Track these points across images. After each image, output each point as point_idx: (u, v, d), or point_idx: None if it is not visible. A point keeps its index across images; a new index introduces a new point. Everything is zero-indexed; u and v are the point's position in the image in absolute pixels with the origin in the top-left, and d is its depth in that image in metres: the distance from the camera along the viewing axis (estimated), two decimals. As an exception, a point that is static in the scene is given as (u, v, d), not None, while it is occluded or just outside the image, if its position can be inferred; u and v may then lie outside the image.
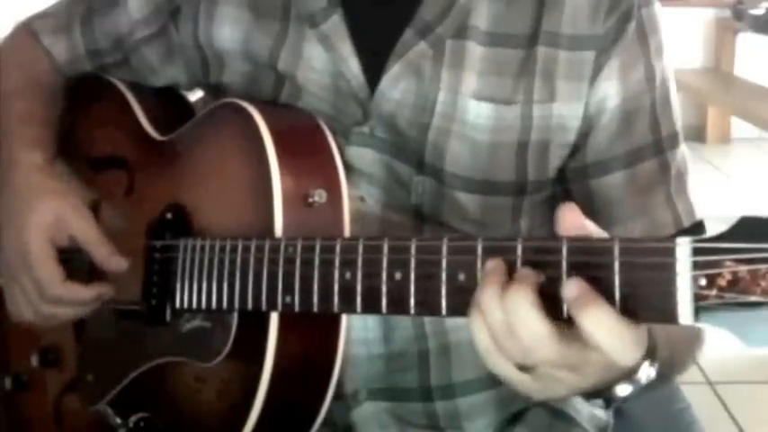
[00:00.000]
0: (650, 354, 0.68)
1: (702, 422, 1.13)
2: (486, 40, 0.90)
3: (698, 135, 5.13)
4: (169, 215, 0.93)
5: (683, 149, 0.95)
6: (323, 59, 0.93)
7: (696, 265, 0.56)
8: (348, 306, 0.75)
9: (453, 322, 0.93)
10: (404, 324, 0.94)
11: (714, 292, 0.55)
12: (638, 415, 1.09)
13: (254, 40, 0.95)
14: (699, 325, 0.56)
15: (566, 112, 0.90)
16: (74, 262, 0.98)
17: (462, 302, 0.66)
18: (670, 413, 1.13)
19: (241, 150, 0.88)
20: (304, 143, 0.89)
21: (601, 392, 0.71)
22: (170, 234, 0.92)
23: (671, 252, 0.57)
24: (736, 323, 0.55)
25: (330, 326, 0.86)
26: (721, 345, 0.71)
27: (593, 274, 0.60)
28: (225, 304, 0.85)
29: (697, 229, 0.93)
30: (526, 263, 0.63)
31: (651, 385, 0.71)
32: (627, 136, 0.91)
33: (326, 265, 0.76)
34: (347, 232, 0.86)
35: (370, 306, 0.73)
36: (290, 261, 0.79)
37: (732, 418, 2.34)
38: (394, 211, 0.92)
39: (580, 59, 0.89)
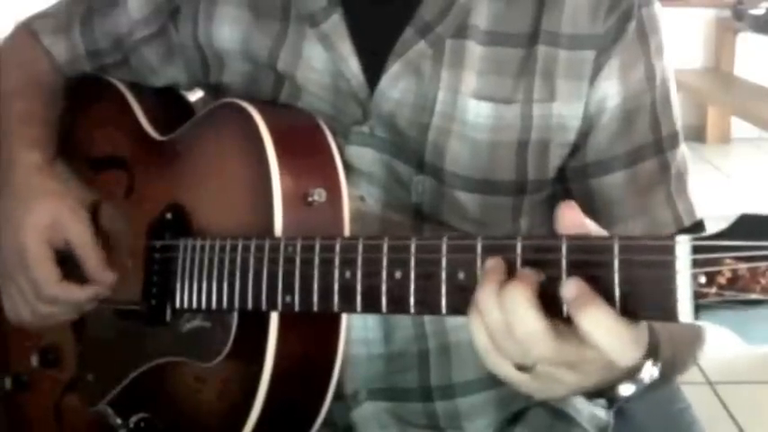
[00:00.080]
0: (653, 353, 0.68)
1: (702, 422, 1.13)
2: (486, 40, 0.90)
3: (698, 135, 5.13)
4: (169, 215, 0.93)
5: (683, 149, 0.95)
6: (323, 59, 0.93)
7: (696, 263, 0.56)
8: (348, 305, 0.75)
9: (453, 322, 0.93)
10: (404, 324, 0.94)
11: (714, 289, 0.55)
12: (639, 415, 1.09)
13: (254, 40, 0.95)
14: (699, 323, 0.56)
15: (566, 112, 0.90)
16: (71, 262, 0.98)
17: (462, 301, 0.66)
18: (670, 413, 1.13)
19: (241, 150, 0.88)
20: (304, 143, 0.89)
21: (603, 392, 0.71)
22: (170, 234, 0.92)
23: (670, 250, 0.57)
24: (736, 321, 0.54)
25: (330, 326, 0.86)
26: (721, 343, 0.71)
27: (592, 273, 0.60)
28: (225, 304, 0.85)
29: (697, 228, 0.93)
30: (526, 261, 0.63)
31: (654, 385, 0.71)
32: (627, 135, 0.91)
33: (326, 264, 0.76)
34: (347, 231, 0.86)
35: (370, 305, 0.73)
36: (289, 260, 0.79)
37: (732, 418, 2.34)
38: (394, 210, 0.92)
39: (580, 59, 0.89)
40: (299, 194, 0.84)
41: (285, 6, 0.94)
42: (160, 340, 0.93)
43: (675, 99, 0.94)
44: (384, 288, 0.71)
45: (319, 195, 0.85)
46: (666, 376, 0.75)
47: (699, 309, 0.56)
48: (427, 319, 0.94)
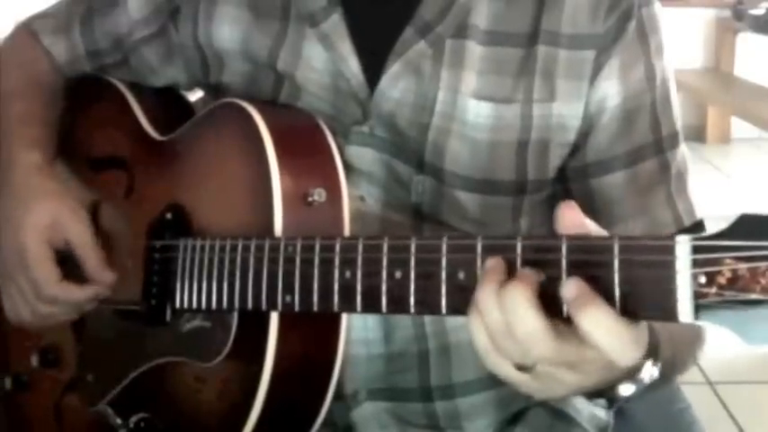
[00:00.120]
0: (653, 353, 0.68)
1: (702, 422, 1.13)
2: (486, 39, 0.90)
3: (698, 135, 5.13)
4: (169, 215, 0.93)
5: (683, 149, 0.95)
6: (322, 59, 0.93)
7: (696, 263, 0.56)
8: (348, 305, 0.75)
9: (453, 323, 0.93)
10: (404, 324, 0.94)
11: (714, 289, 0.55)
12: (639, 415, 1.09)
13: (254, 40, 0.95)
14: (699, 323, 0.56)
15: (566, 112, 0.90)
16: (71, 262, 0.98)
17: (462, 301, 0.65)
18: (670, 413, 1.13)
19: (241, 150, 0.88)
20: (303, 143, 0.89)
21: (604, 392, 0.71)
22: (170, 234, 0.92)
23: (670, 250, 0.57)
24: (736, 321, 0.54)
25: (330, 326, 0.86)
26: (721, 343, 0.71)
27: (592, 273, 0.60)
28: (225, 304, 0.85)
29: (697, 228, 0.93)
30: (526, 261, 0.63)
31: (654, 385, 0.71)
32: (627, 135, 0.91)
33: (326, 264, 0.76)
34: (347, 231, 0.86)
35: (370, 305, 0.73)
36: (289, 260, 0.79)
37: (732, 418, 2.34)
38: (394, 210, 0.92)
39: (580, 59, 0.89)
40: (299, 194, 0.84)
41: (285, 6, 0.94)
42: (160, 340, 0.93)
43: (675, 99, 0.94)
44: (384, 288, 0.71)
45: (319, 195, 0.85)
46: (666, 376, 0.75)
47: (699, 309, 0.56)
48: (427, 319, 0.94)
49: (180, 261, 0.90)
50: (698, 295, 0.56)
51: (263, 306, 0.81)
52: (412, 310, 0.70)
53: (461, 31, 0.89)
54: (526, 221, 0.95)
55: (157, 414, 0.95)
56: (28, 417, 1.12)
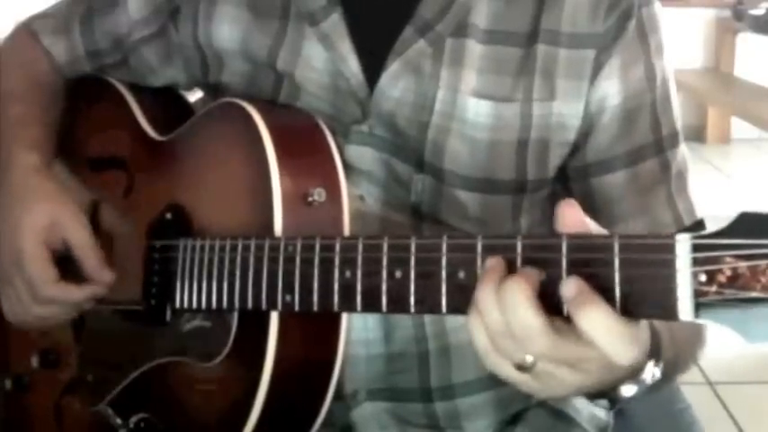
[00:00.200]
0: (655, 354, 0.68)
1: (702, 422, 1.13)
2: (486, 38, 0.90)
3: (698, 135, 5.14)
4: (169, 215, 0.93)
5: (683, 149, 0.95)
6: (322, 58, 0.92)
7: (696, 262, 0.56)
8: (348, 305, 0.75)
9: (453, 323, 0.93)
10: (404, 324, 0.94)
11: (714, 288, 0.55)
12: (639, 415, 1.09)
13: (253, 40, 0.95)
14: (699, 321, 0.56)
15: (566, 111, 0.90)
16: (70, 262, 0.97)
17: (462, 300, 0.66)
18: (670, 413, 1.13)
19: (240, 150, 0.88)
20: (303, 142, 0.89)
21: (605, 393, 0.70)
22: (170, 234, 0.92)
23: (671, 248, 0.57)
24: (737, 319, 0.54)
25: (330, 326, 0.86)
26: (722, 341, 0.71)
27: (592, 271, 0.60)
28: (225, 304, 0.85)
29: (697, 228, 0.92)
30: (526, 260, 0.63)
31: (655, 386, 0.71)
32: (628, 135, 0.91)
33: (326, 263, 0.76)
34: (347, 231, 0.86)
35: (370, 305, 0.73)
36: (289, 260, 0.79)
37: (732, 418, 2.34)
38: (394, 209, 0.92)
39: (580, 58, 0.89)
40: (299, 194, 0.84)
41: (285, 5, 0.94)
42: (160, 340, 0.93)
43: (675, 99, 0.94)
44: (384, 287, 0.71)
45: (319, 195, 0.85)
46: (668, 377, 0.75)
47: (699, 307, 0.56)
48: (427, 319, 0.94)
49: (180, 261, 0.90)
50: (698, 294, 0.56)
51: (263, 306, 0.81)
52: (412, 309, 0.70)
53: (461, 30, 0.89)
54: (526, 220, 0.95)
55: (157, 414, 0.95)
56: (28, 417, 1.12)
